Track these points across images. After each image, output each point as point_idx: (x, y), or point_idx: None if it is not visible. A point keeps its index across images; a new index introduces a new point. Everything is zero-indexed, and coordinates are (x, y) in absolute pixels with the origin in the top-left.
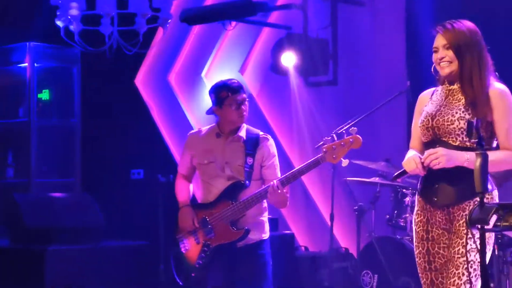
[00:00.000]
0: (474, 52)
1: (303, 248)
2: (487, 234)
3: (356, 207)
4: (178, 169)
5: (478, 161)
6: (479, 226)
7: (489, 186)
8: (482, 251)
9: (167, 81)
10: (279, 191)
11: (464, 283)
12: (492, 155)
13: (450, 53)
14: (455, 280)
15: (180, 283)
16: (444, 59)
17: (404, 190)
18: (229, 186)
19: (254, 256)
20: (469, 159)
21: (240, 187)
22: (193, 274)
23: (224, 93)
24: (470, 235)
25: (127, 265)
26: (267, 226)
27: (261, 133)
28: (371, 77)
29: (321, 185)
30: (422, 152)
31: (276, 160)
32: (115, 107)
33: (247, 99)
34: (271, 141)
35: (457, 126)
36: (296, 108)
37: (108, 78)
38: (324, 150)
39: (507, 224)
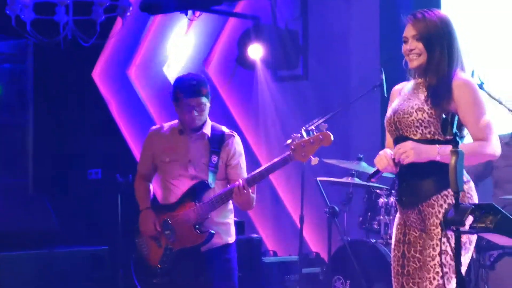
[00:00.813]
0: (445, 43)
1: (271, 252)
2: (464, 237)
3: (327, 209)
4: (138, 168)
5: (453, 159)
6: (454, 228)
7: (464, 178)
8: (457, 254)
9: (127, 74)
10: (245, 191)
11: (435, 287)
12: (466, 148)
13: (420, 45)
14: (426, 284)
15: None
16: (413, 51)
17: (378, 191)
18: (192, 186)
19: (219, 261)
20: (440, 152)
21: (204, 187)
22: (154, 280)
23: (178, 93)
24: (442, 236)
25: (84, 271)
26: (233, 229)
27: (227, 130)
28: (344, 71)
29: (291, 185)
30: None
31: (242, 159)
32: (71, 102)
33: (204, 104)
34: (238, 139)
35: (415, 117)
36: (263, 104)
37: (63, 71)
38: (293, 147)
39: (483, 225)
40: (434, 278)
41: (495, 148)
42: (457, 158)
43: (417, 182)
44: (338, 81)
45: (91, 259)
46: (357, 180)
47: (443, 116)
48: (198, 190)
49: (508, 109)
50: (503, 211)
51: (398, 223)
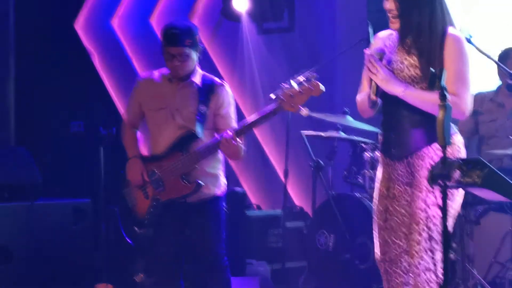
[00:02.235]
0: (426, 6)
1: (255, 206)
2: (452, 191)
3: (312, 163)
4: (125, 116)
5: (441, 113)
6: (441, 182)
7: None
8: (444, 209)
9: (110, 25)
10: (234, 141)
11: (425, 239)
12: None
13: (397, 5)
14: (415, 235)
15: (129, 241)
16: (391, 12)
17: (363, 145)
18: (179, 136)
19: (206, 213)
20: (405, 91)
21: (192, 137)
22: (141, 231)
23: (162, 40)
24: (430, 189)
25: (66, 223)
26: (222, 181)
27: (217, 80)
28: (330, 23)
29: (275, 139)
30: None
31: (232, 109)
32: (53, 53)
33: (187, 54)
34: (228, 89)
35: (407, 73)
36: (249, 57)
37: (45, 22)
38: (282, 98)
39: (470, 180)
40: (423, 230)
41: (466, 107)
42: (445, 112)
43: (407, 132)
44: (325, 33)
45: (73, 211)
46: (342, 134)
47: (432, 70)
48: (185, 140)
49: (496, 62)
50: (490, 165)
51: (382, 177)
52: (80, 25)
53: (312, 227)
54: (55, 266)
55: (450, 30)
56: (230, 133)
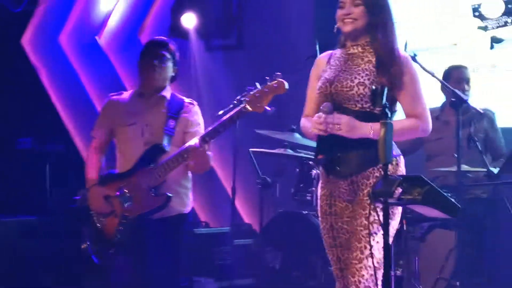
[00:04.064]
0: (385, 11)
1: (203, 223)
2: (393, 209)
3: (260, 180)
4: (93, 135)
5: (382, 131)
6: (383, 199)
7: (395, 152)
8: (385, 225)
9: (58, 42)
10: (201, 149)
11: (366, 257)
12: (399, 124)
13: (357, 10)
14: (357, 254)
15: (95, 260)
16: (349, 16)
17: (310, 162)
18: (146, 151)
19: (169, 231)
20: (373, 129)
21: (159, 151)
22: (111, 251)
23: (141, 53)
24: (373, 206)
25: (13, 242)
26: (189, 199)
27: (187, 99)
28: (278, 41)
29: (223, 156)
30: None
31: (201, 128)
32: (0, 70)
33: (168, 58)
34: (197, 108)
35: (356, 92)
36: (196, 74)
37: None
38: (248, 99)
39: (411, 197)
40: (365, 247)
41: (428, 125)
42: (386, 130)
43: (355, 153)
44: (273, 51)
45: (19, 229)
46: (290, 151)
47: (373, 87)
48: (152, 153)
49: (440, 81)
50: (430, 183)
51: (323, 194)
52: (27, 41)
53: (260, 245)
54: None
55: (401, 48)
56: (197, 140)
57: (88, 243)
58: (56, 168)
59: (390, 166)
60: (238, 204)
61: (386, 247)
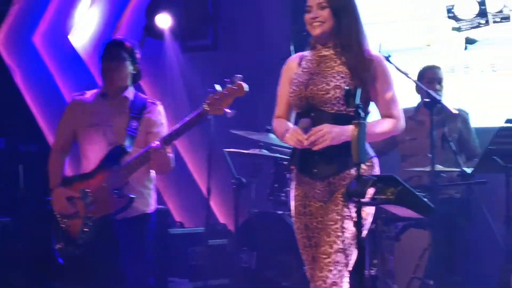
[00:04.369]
0: (352, 13)
1: (178, 224)
2: (366, 210)
3: (234, 181)
4: (56, 138)
5: (355, 131)
6: (356, 199)
7: (371, 153)
8: (358, 225)
9: (32, 42)
10: (162, 150)
11: (335, 251)
12: (376, 125)
13: (324, 13)
14: (325, 248)
15: (60, 261)
16: (317, 19)
17: (285, 163)
18: (108, 152)
19: (134, 231)
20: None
21: (121, 152)
22: (77, 252)
23: (104, 48)
24: (346, 203)
25: None
26: (152, 199)
27: (150, 99)
28: (254, 41)
29: (198, 156)
30: (290, 121)
31: (163, 129)
32: None
33: (125, 57)
34: (161, 108)
35: (332, 95)
36: (171, 74)
37: None
38: (208, 102)
39: (384, 197)
40: (334, 242)
41: (401, 124)
42: (360, 129)
43: (333, 156)
44: (248, 51)
45: None
46: (265, 152)
47: (346, 88)
48: (114, 155)
49: (414, 81)
50: (403, 183)
51: (297, 194)
52: (0, 41)
53: (235, 245)
54: None
55: (372, 50)
56: (157, 142)
57: (58, 244)
58: (29, 169)
59: (365, 167)
60: (213, 204)
61: (360, 245)
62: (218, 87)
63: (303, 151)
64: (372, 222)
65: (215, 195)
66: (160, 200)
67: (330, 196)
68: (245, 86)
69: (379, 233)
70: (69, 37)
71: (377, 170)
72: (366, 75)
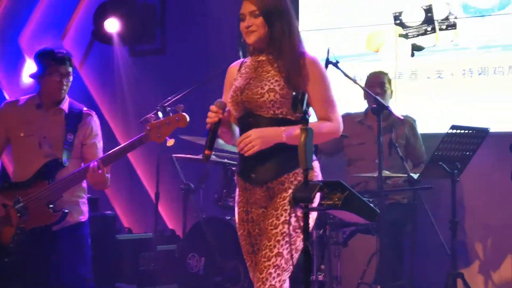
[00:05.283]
0: (284, 19)
1: (126, 229)
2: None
3: (183, 186)
4: None
5: (303, 137)
6: (303, 205)
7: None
8: (305, 230)
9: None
10: (100, 171)
11: (275, 255)
12: (316, 128)
13: (257, 21)
14: (266, 252)
15: None
16: (250, 28)
17: (234, 168)
18: (45, 164)
19: (71, 238)
20: (286, 134)
21: (58, 166)
22: (6, 259)
23: (49, 61)
24: (286, 208)
25: None
26: (85, 208)
27: (84, 108)
28: (203, 46)
29: (147, 161)
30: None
31: (98, 140)
32: None
33: (72, 74)
34: (95, 119)
35: (267, 98)
36: (120, 79)
37: None
38: (148, 128)
39: (330, 202)
40: (274, 246)
41: (339, 126)
42: (307, 135)
43: (270, 160)
44: (197, 56)
45: None
46: (213, 157)
47: (294, 93)
48: (51, 168)
49: (362, 87)
50: (350, 188)
51: (240, 201)
52: None
53: (183, 250)
54: None
55: (308, 52)
56: (96, 163)
57: None
58: None
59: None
60: (162, 209)
61: (306, 250)
62: (160, 115)
63: (242, 156)
64: (320, 228)
65: (164, 200)
66: (108, 205)
67: (270, 202)
68: (187, 118)
69: (327, 238)
70: (18, 41)
71: (317, 173)
72: (299, 79)
